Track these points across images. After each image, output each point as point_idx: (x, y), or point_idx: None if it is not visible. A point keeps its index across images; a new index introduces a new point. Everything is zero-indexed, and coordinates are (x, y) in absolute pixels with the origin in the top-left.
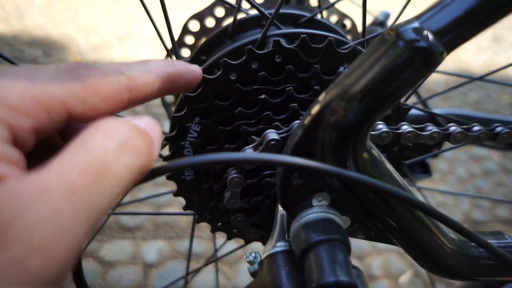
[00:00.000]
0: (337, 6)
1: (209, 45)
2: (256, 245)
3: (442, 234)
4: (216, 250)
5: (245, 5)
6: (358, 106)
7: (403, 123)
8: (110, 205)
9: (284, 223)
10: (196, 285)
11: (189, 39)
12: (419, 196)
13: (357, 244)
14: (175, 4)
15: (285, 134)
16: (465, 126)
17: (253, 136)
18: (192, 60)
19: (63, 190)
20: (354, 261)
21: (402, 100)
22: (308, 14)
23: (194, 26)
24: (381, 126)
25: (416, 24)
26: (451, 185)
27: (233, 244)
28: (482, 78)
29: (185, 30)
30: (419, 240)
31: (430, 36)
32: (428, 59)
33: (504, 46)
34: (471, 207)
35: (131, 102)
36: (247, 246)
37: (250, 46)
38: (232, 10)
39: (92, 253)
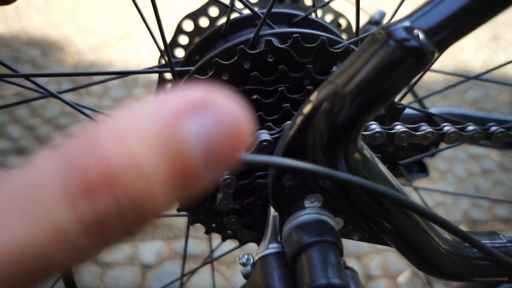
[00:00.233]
0: (333, 5)
1: (203, 45)
2: (253, 246)
3: (436, 235)
4: (212, 251)
5: (239, 5)
6: (349, 105)
7: (397, 123)
8: None
9: (276, 225)
10: (193, 286)
11: (183, 39)
12: (415, 196)
13: (355, 244)
14: (175, 4)
15: (277, 135)
16: (459, 126)
17: None
18: (186, 60)
19: None
20: (352, 261)
21: (397, 99)
22: (302, 13)
23: (188, 26)
24: (375, 126)
25: (407, 23)
26: (450, 184)
27: (230, 244)
28: (478, 77)
29: (179, 30)
30: (414, 242)
31: (421, 35)
32: (419, 58)
33: (503, 44)
34: (470, 206)
35: None
36: (244, 247)
37: (242, 46)
38: (226, 9)
39: None
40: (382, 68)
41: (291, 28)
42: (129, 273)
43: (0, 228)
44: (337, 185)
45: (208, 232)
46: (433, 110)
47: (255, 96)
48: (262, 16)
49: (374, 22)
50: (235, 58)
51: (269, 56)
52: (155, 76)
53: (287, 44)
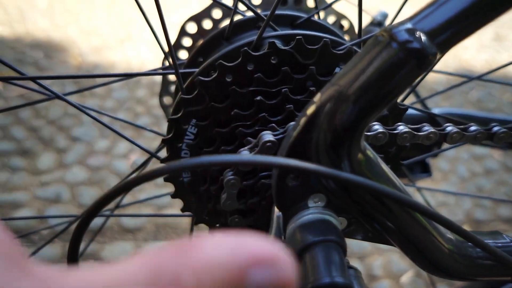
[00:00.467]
0: (335, 7)
1: (206, 47)
2: None
3: (439, 235)
4: None
5: (242, 7)
6: (352, 107)
7: (399, 123)
8: None
9: (280, 224)
10: None
11: (187, 41)
12: (418, 196)
13: (359, 244)
14: (175, 5)
15: (281, 136)
16: (461, 126)
17: (249, 138)
18: (190, 62)
19: None
20: (356, 261)
21: (399, 100)
22: (305, 15)
23: (192, 28)
24: (377, 127)
25: (409, 25)
26: (453, 184)
27: None
28: (480, 78)
29: (183, 32)
30: (416, 241)
31: (423, 37)
32: (421, 60)
33: (506, 44)
34: (473, 206)
35: None
36: None
37: (245, 48)
38: (229, 12)
39: (94, 255)
40: (384, 70)
41: (294, 30)
42: None
43: None
44: (340, 185)
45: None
46: (435, 110)
47: (258, 98)
48: (265, 18)
49: (377, 23)
50: (239, 60)
51: (272, 58)
52: (158, 78)
53: (290, 46)
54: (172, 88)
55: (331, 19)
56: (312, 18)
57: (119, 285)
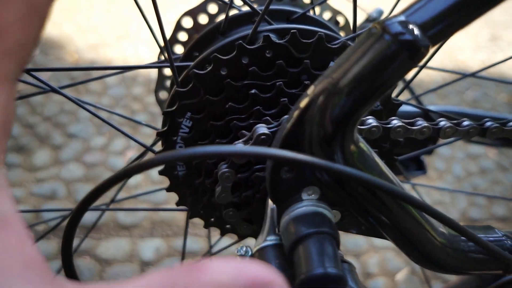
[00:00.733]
0: (331, 3)
1: (202, 41)
2: (251, 242)
3: (431, 228)
4: (211, 247)
5: (238, 2)
6: (345, 99)
7: (393, 117)
8: None
9: (274, 217)
10: None
11: (183, 36)
12: (413, 194)
13: (354, 242)
14: (173, 1)
15: (275, 129)
16: (454, 121)
17: (244, 131)
18: (185, 56)
19: None
20: (351, 259)
21: (394, 95)
22: (300, 11)
23: (187, 22)
24: (371, 121)
25: (402, 18)
26: (448, 183)
27: (229, 241)
28: (474, 75)
29: (178, 27)
30: (409, 234)
31: (416, 30)
32: (413, 52)
33: (502, 45)
34: (468, 205)
35: None
36: (242, 242)
37: (240, 41)
38: (225, 6)
39: (89, 251)
40: (377, 62)
41: (290, 24)
42: (128, 270)
43: None
44: (334, 178)
45: (207, 226)
46: (431, 107)
47: (253, 91)
48: (260, 12)
49: (372, 20)
50: (234, 53)
51: (267, 51)
52: (154, 75)
53: (285, 40)
54: (168, 83)
55: (326, 15)
56: (308, 14)
57: None
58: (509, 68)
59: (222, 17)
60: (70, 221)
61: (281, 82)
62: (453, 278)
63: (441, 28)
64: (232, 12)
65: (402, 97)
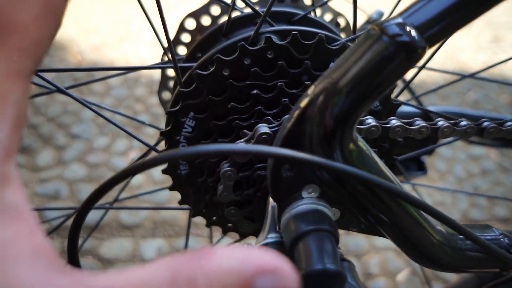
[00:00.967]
0: (332, 5)
1: (205, 42)
2: (252, 241)
3: (429, 227)
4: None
5: (240, 3)
6: (344, 98)
7: (392, 117)
8: None
9: (275, 215)
10: None
11: (186, 37)
12: (414, 195)
13: (355, 242)
14: (175, 2)
15: (276, 128)
16: (452, 121)
17: (245, 130)
18: (188, 57)
19: None
20: (352, 259)
21: (393, 96)
22: (301, 12)
23: (190, 24)
24: (371, 121)
25: (399, 20)
26: (450, 184)
27: (230, 241)
28: (474, 75)
29: (182, 28)
30: (408, 233)
31: (413, 31)
32: (410, 53)
33: (504, 46)
34: (469, 206)
35: None
36: (243, 241)
37: (242, 42)
38: (227, 8)
39: (92, 251)
40: (375, 62)
41: (291, 26)
42: None
43: None
44: (333, 176)
45: (209, 225)
46: (431, 108)
47: (255, 91)
48: (262, 14)
49: (372, 21)
50: (236, 54)
51: (268, 52)
52: (156, 76)
53: (286, 41)
54: (171, 83)
55: (327, 17)
56: (309, 16)
57: (140, 284)
58: (511, 69)
59: (224, 18)
60: (76, 218)
61: (282, 83)
62: (453, 279)
63: (438, 29)
64: (235, 14)
65: (402, 98)
